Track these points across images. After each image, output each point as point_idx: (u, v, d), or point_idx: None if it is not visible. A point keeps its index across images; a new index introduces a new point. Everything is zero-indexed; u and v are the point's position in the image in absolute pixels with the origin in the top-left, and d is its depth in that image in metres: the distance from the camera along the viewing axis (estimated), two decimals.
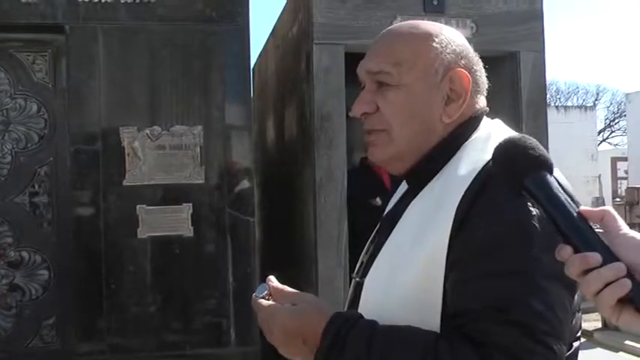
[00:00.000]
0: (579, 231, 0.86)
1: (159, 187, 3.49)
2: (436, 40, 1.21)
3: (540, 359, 1.01)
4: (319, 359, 1.09)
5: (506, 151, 0.96)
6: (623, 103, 29.28)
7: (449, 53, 1.21)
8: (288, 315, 1.13)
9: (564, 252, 0.86)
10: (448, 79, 1.20)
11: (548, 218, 0.90)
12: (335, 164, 3.53)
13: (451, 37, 1.24)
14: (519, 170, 0.93)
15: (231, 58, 3.61)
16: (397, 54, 1.21)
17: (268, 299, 1.19)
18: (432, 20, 1.35)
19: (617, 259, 0.83)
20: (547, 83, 4.04)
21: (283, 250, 4.27)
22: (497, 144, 0.98)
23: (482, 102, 1.26)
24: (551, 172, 0.94)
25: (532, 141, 0.96)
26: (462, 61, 1.22)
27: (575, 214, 0.88)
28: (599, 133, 31.43)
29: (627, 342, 6.50)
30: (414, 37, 1.23)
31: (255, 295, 1.19)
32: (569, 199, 0.90)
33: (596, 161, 23.55)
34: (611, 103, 35.12)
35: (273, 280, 1.21)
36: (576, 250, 0.85)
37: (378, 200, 3.55)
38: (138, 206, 3.45)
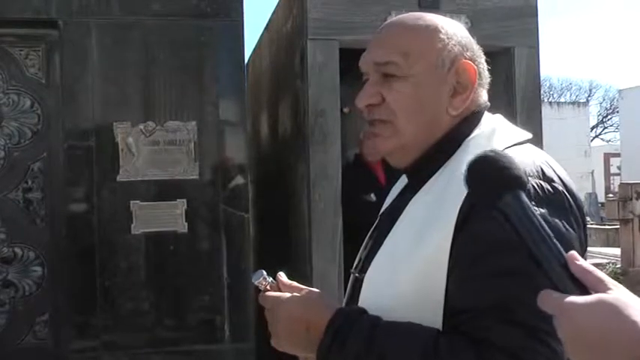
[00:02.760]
0: (547, 262, 0.83)
1: (153, 183, 3.48)
2: (442, 31, 1.21)
3: (542, 359, 1.00)
4: (321, 354, 1.10)
5: (477, 170, 0.89)
6: (616, 100, 29.37)
7: (455, 45, 1.20)
8: (294, 301, 1.17)
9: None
10: (455, 70, 1.19)
11: (520, 241, 0.86)
12: (329, 160, 3.52)
13: (455, 29, 1.23)
14: (491, 190, 0.87)
15: (226, 54, 3.60)
16: (404, 45, 1.20)
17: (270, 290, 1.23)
18: None
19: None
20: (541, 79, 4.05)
21: (278, 246, 4.27)
22: (470, 160, 0.91)
23: (485, 96, 1.26)
24: (524, 190, 0.88)
25: (505, 159, 0.89)
26: (468, 53, 1.22)
27: (547, 241, 0.83)
28: (592, 129, 31.53)
29: None
30: (420, 28, 1.22)
31: (252, 281, 1.23)
32: (542, 223, 0.85)
33: (589, 157, 23.64)
34: (604, 99, 35.28)
35: (282, 276, 1.24)
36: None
37: (372, 196, 3.55)
38: (132, 202, 3.44)
